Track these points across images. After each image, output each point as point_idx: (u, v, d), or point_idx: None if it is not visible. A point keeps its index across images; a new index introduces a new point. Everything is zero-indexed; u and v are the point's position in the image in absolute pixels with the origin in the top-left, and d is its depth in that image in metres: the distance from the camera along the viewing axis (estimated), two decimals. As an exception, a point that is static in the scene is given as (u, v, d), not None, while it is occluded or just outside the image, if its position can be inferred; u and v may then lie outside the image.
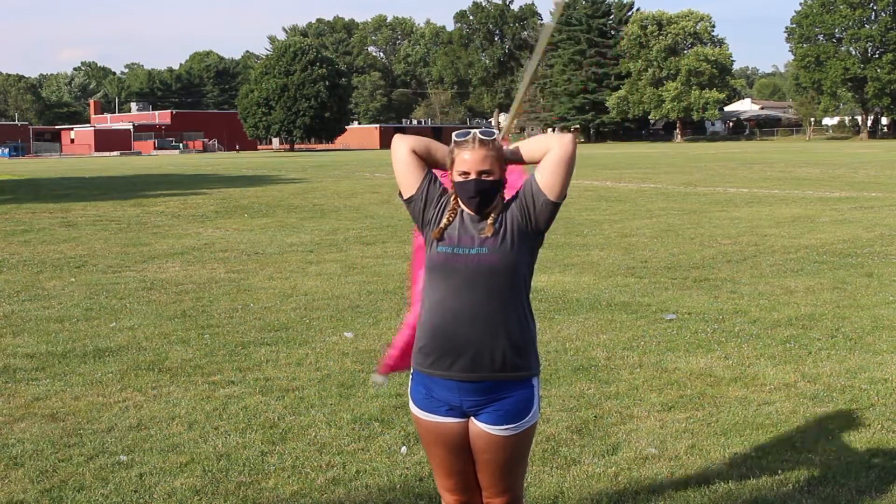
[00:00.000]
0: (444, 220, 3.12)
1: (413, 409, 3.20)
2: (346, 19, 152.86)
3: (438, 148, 3.20)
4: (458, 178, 3.08)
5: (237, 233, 15.71)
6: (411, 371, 3.22)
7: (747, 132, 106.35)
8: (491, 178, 3.06)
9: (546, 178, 3.06)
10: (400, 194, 3.24)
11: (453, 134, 3.19)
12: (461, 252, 3.03)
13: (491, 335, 3.02)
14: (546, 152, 3.09)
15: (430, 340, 3.08)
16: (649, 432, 5.22)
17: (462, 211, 3.14)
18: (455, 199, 3.14)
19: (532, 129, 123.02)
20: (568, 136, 3.10)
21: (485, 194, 3.06)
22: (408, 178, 3.18)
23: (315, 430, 5.33)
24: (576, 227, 15.41)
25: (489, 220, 3.07)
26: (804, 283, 9.91)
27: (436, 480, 3.31)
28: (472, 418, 3.11)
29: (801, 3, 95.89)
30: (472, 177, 3.04)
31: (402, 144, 3.19)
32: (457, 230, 3.08)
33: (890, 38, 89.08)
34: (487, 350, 3.02)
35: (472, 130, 3.14)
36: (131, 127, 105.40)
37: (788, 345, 7.22)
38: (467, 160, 3.05)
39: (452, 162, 3.11)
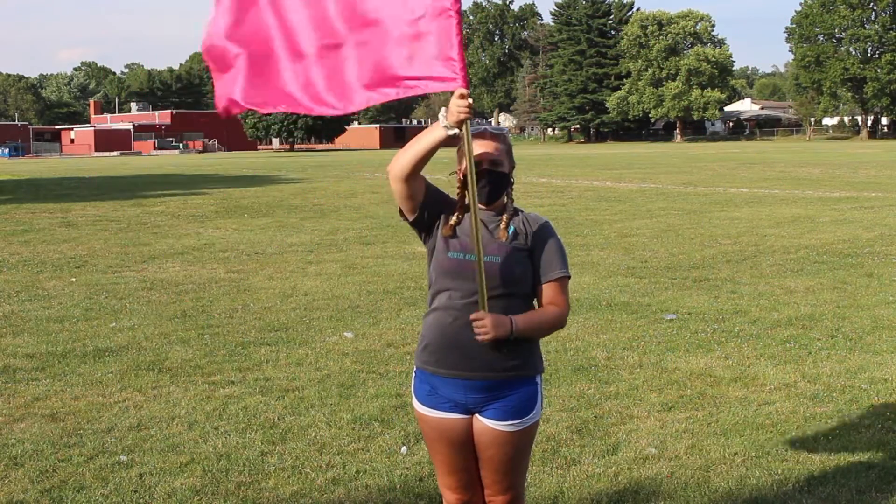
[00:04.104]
0: (454, 218, 3.12)
1: (417, 405, 3.20)
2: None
3: (421, 142, 3.00)
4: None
5: (237, 233, 15.71)
6: (415, 369, 3.22)
7: (747, 132, 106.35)
8: (500, 169, 3.10)
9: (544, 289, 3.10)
10: (402, 216, 3.17)
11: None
12: (472, 259, 3.02)
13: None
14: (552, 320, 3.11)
15: (436, 339, 3.09)
16: (649, 432, 5.22)
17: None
18: (464, 196, 3.13)
19: (532, 129, 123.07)
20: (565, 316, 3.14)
21: (495, 184, 3.09)
22: (408, 204, 3.11)
23: (315, 430, 5.33)
24: (576, 227, 15.41)
25: (502, 224, 3.08)
26: (804, 283, 9.91)
27: (437, 478, 3.31)
28: (477, 415, 3.12)
29: (801, 3, 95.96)
30: (485, 166, 3.07)
31: (391, 178, 3.07)
32: (468, 235, 3.07)
33: (890, 38, 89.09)
34: (492, 351, 3.02)
35: (484, 126, 3.18)
36: (131, 127, 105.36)
37: (788, 345, 7.23)
38: (479, 150, 3.07)
39: (462, 155, 3.10)
